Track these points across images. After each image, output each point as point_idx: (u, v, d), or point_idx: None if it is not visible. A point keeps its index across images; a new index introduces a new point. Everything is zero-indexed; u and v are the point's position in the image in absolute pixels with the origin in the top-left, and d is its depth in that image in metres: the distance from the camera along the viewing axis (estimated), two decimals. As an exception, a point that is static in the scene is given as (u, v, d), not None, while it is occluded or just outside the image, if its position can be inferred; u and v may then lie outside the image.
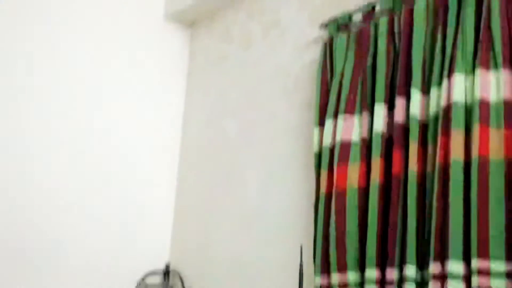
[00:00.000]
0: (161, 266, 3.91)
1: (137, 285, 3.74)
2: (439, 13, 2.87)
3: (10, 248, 3.49)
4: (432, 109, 2.77)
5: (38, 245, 3.58)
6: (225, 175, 3.83)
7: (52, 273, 3.60)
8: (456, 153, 2.60)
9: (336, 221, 2.92)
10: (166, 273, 3.87)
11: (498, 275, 2.46)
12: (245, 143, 3.78)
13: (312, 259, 3.04)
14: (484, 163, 2.53)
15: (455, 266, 2.52)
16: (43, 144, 3.69)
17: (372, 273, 2.78)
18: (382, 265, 2.79)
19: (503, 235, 2.48)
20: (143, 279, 3.80)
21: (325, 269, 2.95)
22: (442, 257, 2.56)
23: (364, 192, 2.92)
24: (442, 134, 2.67)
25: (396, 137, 2.84)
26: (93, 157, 3.85)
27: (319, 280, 2.95)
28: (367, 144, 2.98)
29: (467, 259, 2.54)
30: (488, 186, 2.52)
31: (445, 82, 2.73)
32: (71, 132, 3.80)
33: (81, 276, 3.69)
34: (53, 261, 3.61)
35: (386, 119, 2.94)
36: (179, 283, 3.81)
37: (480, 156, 2.54)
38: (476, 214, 2.50)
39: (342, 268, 2.88)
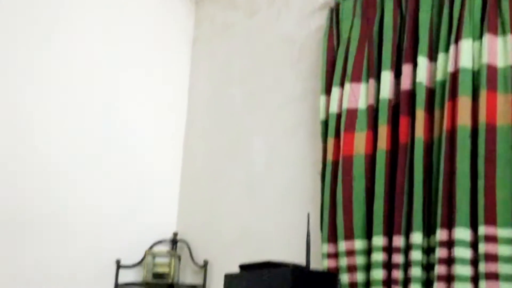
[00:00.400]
0: (169, 236, 3.92)
1: (145, 254, 3.75)
2: (446, -22, 2.84)
3: (15, 217, 3.51)
4: (439, 76, 2.75)
5: (44, 216, 3.59)
6: (231, 143, 3.83)
7: (59, 243, 3.62)
8: (463, 119, 2.58)
9: (343, 189, 2.92)
10: (174, 242, 3.89)
11: (505, 241, 2.46)
12: (251, 111, 3.76)
13: (319, 227, 3.04)
14: (491, 129, 2.52)
15: (462, 233, 2.51)
16: (47, 111, 3.68)
17: (379, 240, 2.78)
18: (389, 233, 2.79)
19: (510, 202, 2.48)
20: (151, 248, 3.82)
21: (332, 237, 2.95)
22: (449, 224, 2.56)
23: (371, 160, 2.91)
24: (449, 100, 2.65)
25: (402, 104, 2.83)
26: (98, 126, 3.85)
27: (326, 248, 2.95)
28: (373, 112, 2.96)
29: (474, 226, 2.53)
30: (496, 152, 2.50)
31: (452, 48, 2.70)
32: (76, 100, 3.79)
33: (89, 245, 3.71)
34: (60, 231, 3.62)
35: (393, 86, 2.92)
36: (187, 252, 3.83)
37: (487, 122, 2.52)
38: (483, 180, 2.49)
39: (349, 236, 2.88)
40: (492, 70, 2.58)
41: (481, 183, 2.50)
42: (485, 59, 2.59)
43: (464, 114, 2.59)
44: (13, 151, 3.55)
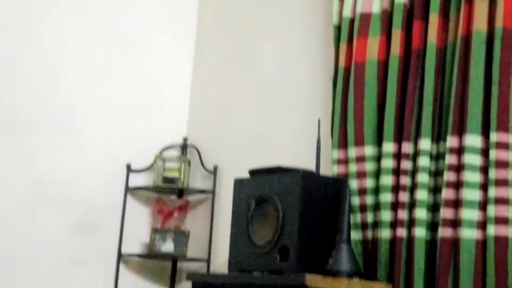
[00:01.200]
0: (179, 140, 3.92)
1: (155, 158, 3.77)
2: None
3: (24, 121, 3.53)
4: (456, -22, 2.68)
5: (54, 121, 3.62)
6: (243, 48, 3.78)
7: (69, 147, 3.65)
8: (479, 23, 2.52)
9: (355, 95, 2.89)
10: (184, 147, 3.89)
11: (517, 148, 2.45)
12: (263, 15, 3.70)
13: (330, 133, 3.03)
14: (508, 34, 2.46)
15: (473, 140, 2.50)
16: (57, 11, 3.65)
17: (389, 147, 2.77)
18: (399, 139, 2.77)
19: (524, 108, 2.45)
20: (161, 153, 3.83)
21: (343, 143, 2.94)
22: (460, 131, 2.54)
23: (383, 66, 2.87)
24: (466, 3, 2.58)
25: (417, 8, 2.76)
26: (108, 29, 3.81)
27: (337, 154, 2.95)
28: (388, 16, 2.90)
29: (485, 133, 2.52)
30: (511, 58, 2.46)
31: (470, -51, 2.62)
32: (87, 2, 3.75)
33: (99, 149, 3.73)
34: (70, 135, 3.65)
35: (408, -10, 2.85)
36: (197, 157, 3.84)
37: (504, 27, 2.47)
38: (497, 86, 2.46)
39: (359, 142, 2.87)
40: (512, -29, 2.50)
41: (494, 89, 2.46)
42: (504, -40, 2.51)
43: (480, 18, 2.52)
44: (21, 54, 3.53)
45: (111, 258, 3.70)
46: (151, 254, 3.69)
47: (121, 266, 3.73)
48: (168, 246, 3.67)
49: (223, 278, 2.94)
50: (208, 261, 3.65)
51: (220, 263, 3.59)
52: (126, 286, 3.72)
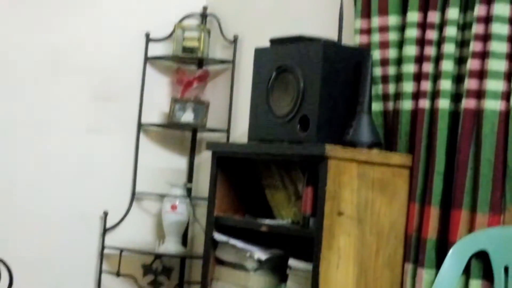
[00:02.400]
0: (198, 9, 3.86)
1: (175, 27, 3.72)
2: None
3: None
4: None
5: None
6: None
7: (87, 15, 3.62)
8: None
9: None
10: (203, 16, 3.83)
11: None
12: None
13: (353, 2, 2.96)
14: None
15: (502, 8, 2.43)
16: None
17: (413, 16, 2.70)
18: (424, 8, 2.69)
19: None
20: (180, 22, 3.77)
21: (366, 12, 2.86)
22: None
23: None
24: None
25: None
26: None
27: (359, 23, 2.88)
28: None
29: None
30: None
31: None
32: None
33: (118, 17, 3.71)
34: (88, 2, 3.62)
35: None
36: (217, 26, 3.78)
37: None
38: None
39: (383, 11, 2.79)
40: None
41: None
42: None
43: None
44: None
45: (131, 128, 3.73)
46: (171, 124, 3.71)
47: (141, 135, 3.76)
48: (187, 116, 3.68)
49: (243, 147, 2.96)
50: (227, 131, 3.66)
51: (240, 133, 3.60)
52: (146, 155, 3.77)
